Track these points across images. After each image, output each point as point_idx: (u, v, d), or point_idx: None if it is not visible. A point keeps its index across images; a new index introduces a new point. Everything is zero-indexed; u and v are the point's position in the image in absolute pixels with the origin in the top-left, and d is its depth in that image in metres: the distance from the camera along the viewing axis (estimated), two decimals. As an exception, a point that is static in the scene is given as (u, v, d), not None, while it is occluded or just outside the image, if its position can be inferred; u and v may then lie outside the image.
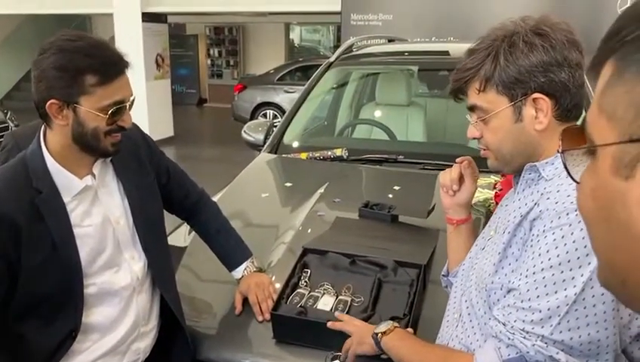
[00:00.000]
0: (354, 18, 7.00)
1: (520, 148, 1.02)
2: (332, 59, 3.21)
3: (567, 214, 0.88)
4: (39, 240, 1.20)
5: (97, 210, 1.30)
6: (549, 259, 0.88)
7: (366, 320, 1.37)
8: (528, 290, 0.90)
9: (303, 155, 2.65)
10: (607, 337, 0.86)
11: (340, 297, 1.48)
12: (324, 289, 1.50)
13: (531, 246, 0.93)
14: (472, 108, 1.06)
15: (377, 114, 3.33)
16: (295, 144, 2.90)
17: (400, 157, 2.53)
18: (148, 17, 8.85)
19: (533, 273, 0.90)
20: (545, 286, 0.88)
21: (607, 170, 0.41)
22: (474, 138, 1.08)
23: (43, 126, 1.26)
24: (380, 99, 3.35)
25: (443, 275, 1.41)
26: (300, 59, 11.67)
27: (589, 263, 0.85)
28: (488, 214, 1.89)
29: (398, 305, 1.42)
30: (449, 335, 1.14)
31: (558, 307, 0.86)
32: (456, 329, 1.12)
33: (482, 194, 2.02)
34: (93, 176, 1.30)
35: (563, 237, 0.87)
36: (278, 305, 1.46)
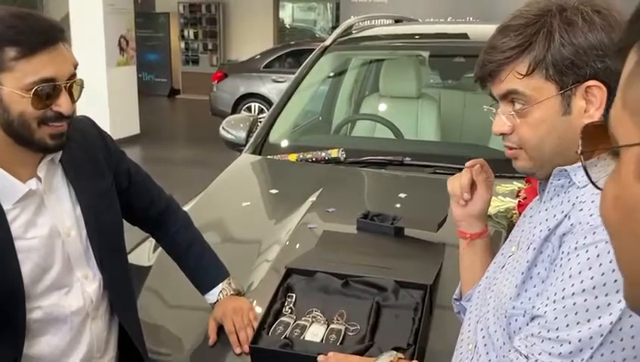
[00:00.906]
0: (355, -6, 7.05)
1: (562, 148, 1.01)
2: (328, 42, 3.24)
3: (604, 230, 0.89)
4: None
5: (43, 220, 1.31)
6: (582, 282, 0.88)
7: (363, 352, 1.38)
8: (556, 318, 0.90)
9: (292, 157, 2.67)
10: None
11: (331, 326, 1.48)
12: (313, 317, 1.51)
13: (561, 265, 0.94)
14: (505, 96, 1.03)
15: (381, 108, 3.36)
16: (283, 143, 2.92)
17: (407, 159, 2.55)
18: (110, -8, 8.89)
19: (563, 298, 0.90)
20: (576, 313, 0.88)
21: (630, 175, 0.42)
22: (502, 133, 1.06)
23: None
24: (384, 91, 3.38)
25: (455, 299, 1.42)
26: (292, 43, 11.71)
27: None
28: (510, 227, 1.90)
29: (401, 334, 1.44)
30: None
31: (590, 338, 0.86)
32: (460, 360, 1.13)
33: (503, 203, 2.04)
34: (39, 179, 1.30)
35: (599, 256, 0.88)
36: (259, 336, 1.46)
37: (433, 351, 1.46)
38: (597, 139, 0.47)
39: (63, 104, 1.23)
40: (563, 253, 0.94)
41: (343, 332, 1.46)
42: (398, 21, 4.30)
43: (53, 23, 1.24)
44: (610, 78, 0.96)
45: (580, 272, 0.89)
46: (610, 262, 0.87)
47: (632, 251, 0.44)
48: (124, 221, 1.54)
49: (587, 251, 0.89)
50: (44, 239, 1.30)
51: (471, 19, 6.18)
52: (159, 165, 7.55)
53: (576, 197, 0.98)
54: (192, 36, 14.95)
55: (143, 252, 1.97)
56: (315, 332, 1.47)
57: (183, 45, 14.98)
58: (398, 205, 2.24)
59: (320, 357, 1.31)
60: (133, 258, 1.80)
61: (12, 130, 1.22)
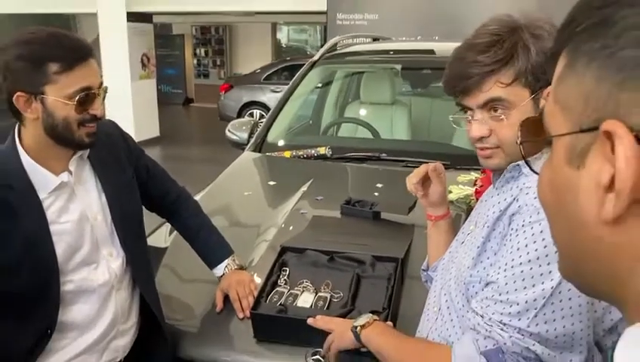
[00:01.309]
0: (340, 17, 7.02)
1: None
2: (316, 57, 3.22)
3: None
4: (9, 239, 1.19)
5: (74, 207, 1.30)
6: (527, 254, 0.89)
7: (345, 315, 1.38)
8: (506, 284, 0.91)
9: (287, 154, 2.66)
10: (581, 330, 0.88)
11: (319, 294, 1.48)
12: (304, 287, 1.50)
13: (510, 240, 0.94)
14: (486, 104, 1.00)
15: (362, 112, 3.35)
16: (279, 143, 2.90)
17: (383, 155, 2.54)
18: (133, 17, 8.80)
19: (512, 267, 0.91)
20: (523, 279, 0.89)
21: (561, 160, 0.42)
22: (482, 137, 1.01)
23: (17, 124, 1.25)
24: (364, 98, 3.36)
25: (423, 270, 1.42)
26: (287, 59, 11.67)
27: None
28: (469, 210, 1.90)
29: (377, 299, 1.43)
30: (428, 328, 1.15)
31: (535, 300, 0.87)
32: (435, 323, 1.13)
33: (463, 190, 2.05)
34: (70, 172, 1.29)
35: (542, 231, 0.89)
36: (258, 303, 1.46)
37: (404, 313, 1.46)
38: (534, 131, 0.47)
39: (97, 108, 1.25)
40: (512, 229, 0.95)
41: (328, 299, 1.46)
42: (375, 39, 4.29)
43: (84, 41, 1.25)
44: None
45: (526, 245, 0.90)
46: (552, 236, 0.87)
47: (563, 227, 0.44)
48: (143, 208, 1.53)
49: (532, 228, 0.90)
50: (75, 223, 1.29)
51: (437, 38, 6.17)
52: (176, 162, 7.51)
53: (524, 183, 0.99)
54: (203, 54, 14.87)
55: (160, 235, 1.96)
56: (306, 300, 1.46)
57: (195, 61, 14.91)
58: (375, 193, 2.23)
59: (309, 320, 1.31)
60: (152, 240, 1.79)
61: (55, 132, 1.22)
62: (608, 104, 0.36)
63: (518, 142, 0.53)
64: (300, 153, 2.62)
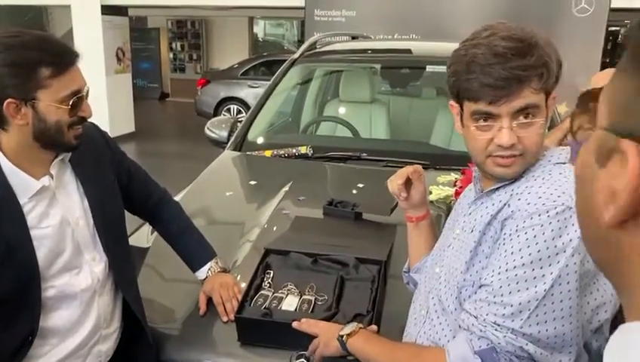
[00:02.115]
0: (317, 14, 6.99)
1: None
2: (296, 56, 3.20)
3: (539, 215, 0.93)
4: None
5: (55, 211, 1.28)
6: (522, 258, 0.92)
7: (330, 318, 1.38)
8: (501, 286, 0.94)
9: (268, 153, 2.64)
10: (571, 331, 0.92)
11: (303, 297, 1.48)
12: (288, 290, 1.50)
13: (504, 244, 0.97)
14: (522, 110, 0.98)
15: (341, 110, 3.35)
16: (260, 141, 2.89)
17: (364, 154, 2.55)
18: (107, 10, 8.64)
19: (506, 270, 0.94)
20: (517, 282, 0.92)
21: (591, 151, 0.42)
22: (512, 144, 0.99)
23: None
24: (343, 96, 3.37)
25: (405, 271, 1.43)
26: (265, 54, 11.60)
27: (558, 261, 0.90)
28: (448, 210, 1.92)
29: (361, 302, 1.44)
30: (416, 332, 1.15)
31: (528, 302, 0.91)
32: (423, 326, 1.14)
33: (443, 191, 2.07)
34: (51, 176, 1.27)
35: (535, 236, 0.92)
36: (242, 307, 1.45)
37: (387, 314, 1.47)
38: (586, 103, 0.46)
39: (87, 110, 1.25)
40: (505, 234, 0.97)
41: (313, 302, 1.46)
42: (354, 37, 4.29)
43: (70, 46, 1.24)
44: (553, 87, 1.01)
45: (520, 249, 0.93)
46: (545, 241, 0.91)
47: (579, 203, 0.45)
48: (125, 211, 1.51)
49: (526, 233, 0.93)
50: (56, 228, 1.27)
51: (414, 36, 6.21)
52: (152, 158, 7.42)
53: (512, 190, 1.02)
54: (179, 48, 14.68)
55: (142, 235, 1.94)
56: (290, 303, 1.46)
57: (171, 56, 14.71)
58: (357, 193, 2.24)
59: (294, 324, 1.31)
60: (134, 241, 1.76)
61: (45, 136, 1.20)
62: (637, 116, 0.36)
63: (575, 111, 0.51)
64: (281, 152, 2.61)
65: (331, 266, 1.59)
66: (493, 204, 1.03)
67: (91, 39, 8.45)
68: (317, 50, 3.34)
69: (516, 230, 0.95)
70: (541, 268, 0.91)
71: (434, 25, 6.02)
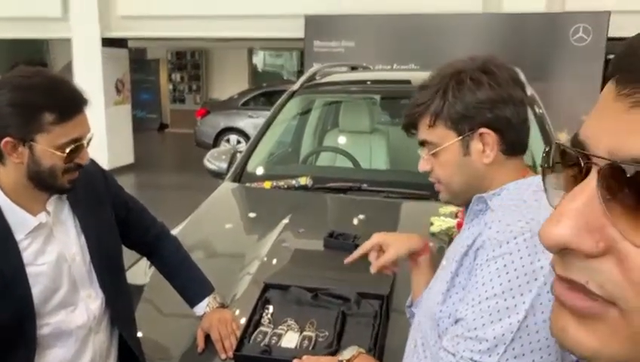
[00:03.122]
0: (317, 45, 7.11)
1: (468, 181, 1.06)
2: (296, 87, 3.24)
3: (508, 242, 0.91)
4: None
5: (52, 248, 1.27)
6: (493, 288, 0.90)
7: (332, 355, 1.36)
8: (474, 319, 0.91)
9: (267, 184, 2.65)
10: None
11: (304, 333, 1.46)
12: (288, 326, 1.48)
13: (476, 275, 0.95)
14: (422, 143, 1.10)
15: (341, 141, 3.37)
16: (259, 172, 2.89)
17: (364, 185, 2.55)
18: (107, 42, 8.77)
19: (479, 302, 0.92)
20: (490, 314, 0.90)
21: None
22: (425, 171, 1.11)
23: None
24: (343, 127, 3.40)
25: (407, 306, 1.42)
26: (264, 85, 11.73)
27: (530, 290, 0.87)
28: (451, 242, 1.92)
29: (363, 339, 1.42)
30: None
31: (503, 335, 0.88)
32: (412, 359, 1.13)
33: (445, 223, 2.06)
34: (48, 212, 1.27)
35: (505, 266, 0.90)
36: (241, 344, 1.43)
37: (391, 350, 1.45)
38: None
39: (84, 157, 1.25)
40: (477, 264, 0.96)
41: (314, 339, 1.44)
42: (353, 68, 4.34)
43: (81, 91, 1.24)
44: (500, 124, 1.03)
45: (490, 280, 0.91)
46: (515, 270, 0.89)
47: None
48: (122, 246, 1.50)
49: (496, 262, 0.91)
50: (53, 264, 1.26)
51: (413, 65, 6.29)
52: (151, 190, 7.43)
53: (489, 218, 1.01)
54: (178, 79, 14.87)
55: (139, 270, 1.92)
56: (290, 339, 1.44)
57: (171, 86, 14.88)
58: (357, 225, 2.23)
59: (294, 361, 1.29)
60: (131, 276, 1.74)
61: (39, 179, 1.20)
62: None
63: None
64: (281, 183, 2.61)
65: (332, 301, 1.57)
66: (472, 234, 1.03)
67: (91, 71, 8.56)
68: (316, 82, 3.38)
69: (486, 259, 0.93)
70: (513, 297, 0.88)
71: (433, 55, 6.11)
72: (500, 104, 1.02)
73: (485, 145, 1.03)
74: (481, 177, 1.05)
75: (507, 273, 0.89)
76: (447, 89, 1.03)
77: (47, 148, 1.17)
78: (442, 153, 1.06)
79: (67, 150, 1.19)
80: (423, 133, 1.08)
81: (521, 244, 0.90)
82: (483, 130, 1.02)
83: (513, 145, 1.05)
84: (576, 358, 0.93)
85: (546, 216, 0.40)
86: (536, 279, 0.88)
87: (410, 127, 1.11)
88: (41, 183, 1.22)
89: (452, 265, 1.03)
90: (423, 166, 1.11)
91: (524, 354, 0.87)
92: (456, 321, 0.97)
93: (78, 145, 1.21)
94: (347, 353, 1.18)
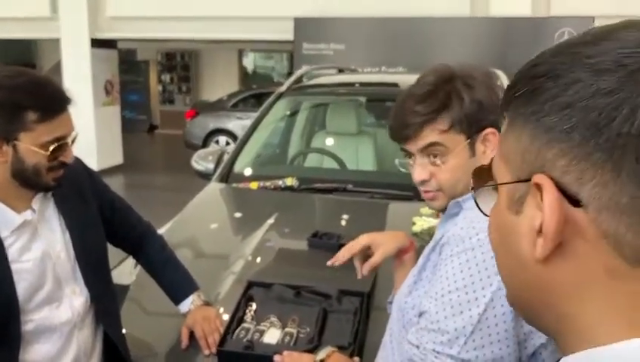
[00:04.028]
0: (306, 47, 7.14)
1: (462, 182, 1.06)
2: (283, 89, 3.27)
3: (470, 238, 0.95)
4: None
5: (37, 245, 1.29)
6: (455, 282, 0.94)
7: (312, 350, 1.38)
8: (437, 312, 0.95)
9: (254, 185, 2.67)
10: (509, 354, 0.92)
11: (286, 329, 1.49)
12: (270, 323, 1.51)
13: (439, 270, 0.99)
14: (425, 149, 1.06)
15: (328, 142, 3.40)
16: (246, 173, 2.92)
17: (349, 186, 2.58)
18: (97, 43, 8.73)
19: (442, 296, 0.95)
20: (452, 307, 0.93)
21: (504, 206, 0.47)
22: (423, 180, 1.07)
23: None
24: (330, 128, 3.42)
25: (389, 302, 1.45)
26: (254, 87, 11.74)
27: (490, 284, 0.91)
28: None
29: (343, 334, 1.45)
30: (379, 357, 1.18)
31: (464, 327, 0.91)
32: (383, 351, 1.16)
33: (426, 222, 2.10)
34: (33, 210, 1.29)
35: (467, 261, 0.94)
36: (224, 340, 1.45)
37: (371, 346, 1.47)
38: (485, 178, 0.52)
39: (68, 155, 1.27)
40: (442, 259, 1.00)
41: (295, 335, 1.47)
42: (341, 70, 4.37)
43: (64, 90, 1.25)
44: (501, 123, 1.03)
45: (453, 274, 0.95)
46: (476, 265, 0.93)
47: (507, 264, 0.49)
48: (108, 243, 1.52)
49: (459, 257, 0.95)
50: (37, 261, 1.28)
51: (401, 68, 6.34)
52: (139, 190, 7.41)
53: (459, 218, 1.05)
54: (168, 80, 14.82)
55: (125, 269, 1.94)
56: (272, 336, 1.47)
57: (160, 88, 14.82)
58: (342, 225, 2.26)
59: (276, 357, 1.32)
60: (116, 274, 1.76)
61: (23, 177, 1.22)
62: (538, 160, 0.42)
63: (470, 188, 0.58)
64: (267, 184, 2.63)
65: (314, 298, 1.60)
66: (440, 232, 1.07)
67: (80, 72, 8.53)
68: (303, 84, 3.41)
69: (450, 255, 0.97)
70: (474, 291, 0.92)
71: (421, 58, 6.17)
72: (497, 104, 1.05)
73: (486, 146, 1.05)
74: (468, 178, 1.07)
75: (469, 268, 0.93)
76: (461, 90, 1.03)
77: (31, 146, 1.19)
78: (453, 158, 1.05)
79: (51, 148, 1.20)
80: (432, 137, 1.04)
81: (483, 240, 0.94)
82: (489, 130, 1.04)
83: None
84: (531, 351, 0.97)
85: None
86: (496, 273, 0.90)
87: (412, 135, 1.06)
88: (26, 181, 1.23)
89: (420, 260, 1.07)
90: (421, 175, 1.07)
91: (483, 346, 0.91)
92: (421, 314, 1.00)
93: (61, 144, 1.23)
94: (322, 353, 1.22)
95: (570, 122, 0.39)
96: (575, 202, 0.40)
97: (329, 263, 1.36)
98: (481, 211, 0.54)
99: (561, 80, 0.41)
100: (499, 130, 1.02)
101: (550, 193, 0.40)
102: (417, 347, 0.97)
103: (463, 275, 0.93)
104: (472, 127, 1.04)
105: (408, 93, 1.08)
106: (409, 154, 1.10)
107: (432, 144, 1.05)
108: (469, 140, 1.05)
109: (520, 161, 0.44)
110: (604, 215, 0.39)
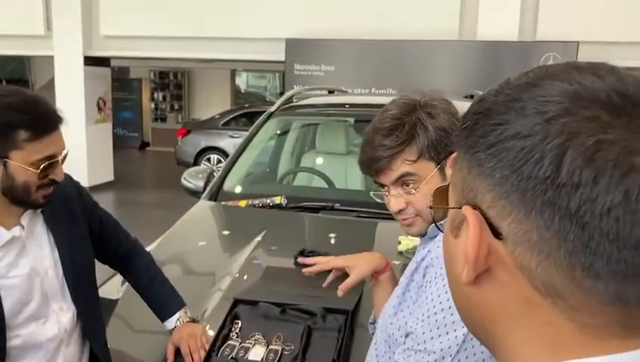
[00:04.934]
0: (297, 68, 7.22)
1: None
2: (273, 109, 3.30)
3: None
4: None
5: (24, 261, 1.29)
6: (440, 303, 0.95)
7: (296, 367, 1.40)
8: (423, 333, 0.96)
9: (243, 203, 2.68)
10: None
11: (270, 347, 1.50)
12: (255, 340, 1.52)
13: (425, 291, 1.00)
14: (398, 180, 1.10)
15: (317, 161, 3.43)
16: (235, 191, 2.93)
17: (337, 205, 2.60)
18: (90, 61, 8.75)
19: (428, 317, 0.96)
20: (437, 328, 0.95)
21: (448, 229, 0.50)
22: (400, 210, 1.11)
23: None
24: (319, 148, 3.45)
25: (370, 323, 1.46)
26: (246, 105, 11.79)
27: None
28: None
29: (328, 352, 1.46)
30: None
31: (449, 347, 0.93)
32: None
33: (412, 241, 2.12)
34: (22, 226, 1.29)
35: None
36: (209, 357, 1.46)
37: (354, 364, 1.49)
38: (442, 198, 0.54)
39: (59, 174, 1.28)
40: (427, 281, 1.01)
41: (280, 352, 1.48)
42: (331, 92, 4.42)
43: (56, 110, 1.27)
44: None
45: (439, 295, 0.96)
46: None
47: (450, 282, 0.51)
48: (95, 260, 1.53)
49: (443, 279, 0.97)
50: (25, 278, 1.28)
51: (391, 90, 6.42)
52: (130, 207, 7.38)
53: (438, 239, 1.07)
54: (160, 98, 14.86)
55: (112, 286, 1.94)
56: (257, 353, 1.47)
57: (152, 106, 14.86)
58: (329, 243, 2.28)
59: None
60: (104, 292, 1.77)
61: (13, 194, 1.23)
62: (472, 191, 0.45)
63: (429, 206, 0.60)
64: (256, 202, 2.65)
65: (299, 316, 1.61)
66: (421, 253, 1.09)
67: (73, 89, 8.54)
68: (294, 104, 3.44)
69: (435, 276, 0.99)
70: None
71: (410, 80, 6.25)
72: (455, 128, 1.09)
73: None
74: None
75: None
76: (424, 120, 1.07)
77: (21, 164, 1.20)
78: (426, 184, 1.08)
79: (41, 166, 1.22)
80: (404, 168, 1.08)
81: None
82: (455, 153, 1.08)
83: None
84: None
85: None
86: None
87: (382, 168, 1.10)
88: (15, 198, 1.24)
89: (403, 281, 1.09)
90: (397, 205, 1.10)
91: None
92: (407, 335, 1.01)
93: (52, 162, 1.24)
94: None
95: (494, 161, 0.42)
96: (497, 234, 0.42)
97: (305, 271, 1.40)
98: (440, 230, 0.57)
99: (493, 119, 0.43)
100: None
101: (473, 225, 0.43)
102: None
103: (448, 296, 0.94)
104: (439, 153, 1.08)
105: (374, 127, 1.11)
106: (382, 185, 1.13)
107: (404, 175, 1.09)
108: (438, 166, 1.08)
109: (460, 189, 0.47)
110: (519, 249, 0.41)
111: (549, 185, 0.38)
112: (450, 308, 0.94)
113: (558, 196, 0.38)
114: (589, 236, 0.37)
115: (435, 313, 0.96)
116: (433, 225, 1.09)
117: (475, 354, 0.92)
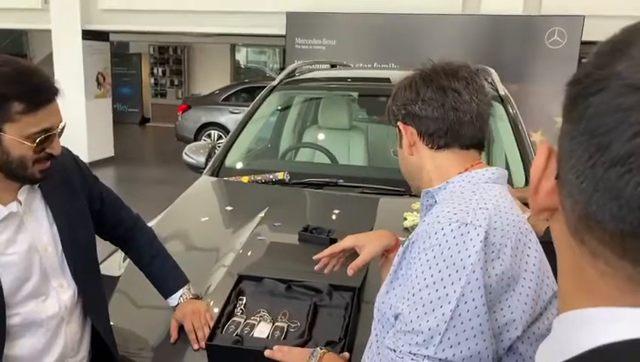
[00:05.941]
0: (298, 42, 7.10)
1: (407, 171, 1.18)
2: (275, 83, 3.23)
3: (436, 233, 0.93)
4: None
5: (23, 237, 1.25)
6: (424, 280, 0.91)
7: (303, 345, 1.37)
8: (410, 313, 0.92)
9: (245, 178, 2.64)
10: (486, 348, 0.89)
11: (276, 324, 1.47)
12: (260, 317, 1.49)
13: (409, 269, 0.97)
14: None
15: (320, 137, 3.38)
16: (237, 167, 2.89)
17: (340, 181, 2.56)
18: (89, 35, 8.62)
19: (413, 295, 0.92)
20: (423, 306, 0.90)
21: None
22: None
23: None
24: (322, 123, 3.40)
25: (378, 299, 1.43)
26: (246, 81, 11.67)
27: (460, 279, 0.88)
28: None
29: (334, 329, 1.43)
30: (365, 355, 1.16)
31: (437, 326, 0.89)
32: (369, 351, 1.14)
33: (418, 217, 2.08)
34: (19, 202, 1.25)
35: (435, 257, 0.91)
36: (214, 334, 1.43)
37: (362, 341, 1.46)
38: None
39: (55, 147, 1.23)
40: (412, 257, 0.97)
41: (285, 329, 1.45)
42: (333, 66, 4.35)
43: (52, 80, 1.21)
44: (410, 119, 1.13)
45: (422, 272, 0.92)
46: (444, 261, 0.91)
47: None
48: (96, 236, 1.49)
49: (426, 254, 0.93)
50: (23, 254, 1.25)
51: (393, 65, 6.32)
52: (130, 183, 7.34)
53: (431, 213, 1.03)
54: (160, 73, 14.71)
55: (114, 262, 1.91)
56: (262, 330, 1.45)
57: (152, 81, 14.72)
58: (333, 219, 2.24)
59: (266, 351, 1.30)
60: (105, 268, 1.73)
61: (8, 169, 1.18)
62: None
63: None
64: (258, 178, 2.61)
65: (305, 293, 1.58)
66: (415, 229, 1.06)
67: (71, 64, 8.42)
68: (296, 78, 3.38)
69: (418, 252, 0.95)
70: (444, 287, 0.89)
71: (412, 54, 6.14)
72: (409, 102, 1.12)
73: (409, 139, 1.13)
74: (415, 168, 1.14)
75: (437, 264, 0.91)
76: (395, 92, 1.18)
77: (16, 137, 1.15)
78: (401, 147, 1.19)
79: (37, 140, 1.17)
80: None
81: (449, 235, 0.92)
82: (399, 123, 1.15)
83: (431, 137, 1.11)
84: (508, 344, 0.95)
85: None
86: (464, 267, 0.89)
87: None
88: (11, 173, 1.20)
89: (395, 259, 1.05)
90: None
91: (459, 343, 0.88)
92: (396, 317, 0.98)
93: (48, 135, 1.19)
94: (314, 358, 1.21)
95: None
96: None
97: (315, 257, 1.40)
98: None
99: None
100: (406, 124, 1.15)
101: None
102: (394, 351, 0.94)
103: (432, 271, 0.91)
104: (393, 120, 1.18)
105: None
106: None
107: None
108: (397, 132, 1.17)
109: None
110: (564, 190, 0.44)
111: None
112: (434, 283, 0.90)
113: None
114: (595, 188, 0.39)
115: (420, 290, 0.91)
116: (424, 191, 1.11)
117: (464, 331, 0.88)
